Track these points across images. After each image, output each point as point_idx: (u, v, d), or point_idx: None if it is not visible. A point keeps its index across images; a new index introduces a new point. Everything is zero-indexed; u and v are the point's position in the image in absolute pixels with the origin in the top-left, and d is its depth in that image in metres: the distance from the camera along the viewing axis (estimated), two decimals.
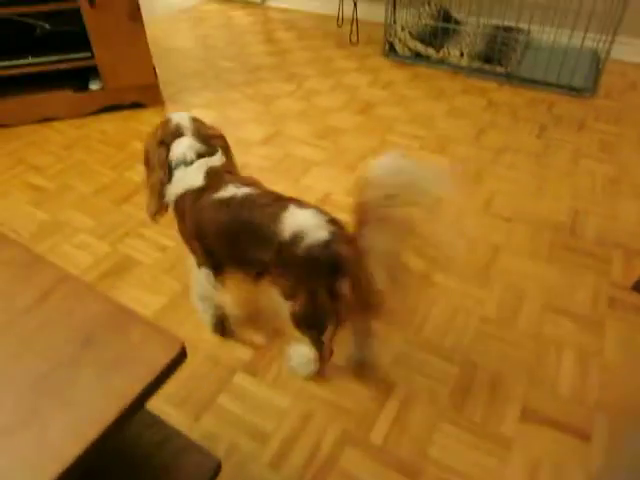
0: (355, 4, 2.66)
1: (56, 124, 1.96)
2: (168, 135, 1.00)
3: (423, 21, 2.54)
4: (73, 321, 0.49)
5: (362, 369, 1.08)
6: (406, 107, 2.08)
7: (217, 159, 1.00)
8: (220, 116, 2.02)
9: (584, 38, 2.16)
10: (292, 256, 0.85)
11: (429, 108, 2.07)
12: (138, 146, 1.83)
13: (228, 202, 0.92)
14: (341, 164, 1.73)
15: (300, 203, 0.90)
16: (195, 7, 3.35)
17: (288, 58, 2.56)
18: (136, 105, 2.07)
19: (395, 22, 2.57)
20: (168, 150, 0.99)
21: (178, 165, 0.98)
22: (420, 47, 2.43)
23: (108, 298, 0.52)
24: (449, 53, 2.37)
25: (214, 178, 0.96)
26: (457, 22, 2.59)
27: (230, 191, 0.93)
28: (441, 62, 2.41)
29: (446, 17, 2.55)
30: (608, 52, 2.06)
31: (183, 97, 2.16)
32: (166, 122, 1.02)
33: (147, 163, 1.03)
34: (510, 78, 2.26)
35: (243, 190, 0.93)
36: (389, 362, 1.09)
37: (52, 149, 1.81)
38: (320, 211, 0.89)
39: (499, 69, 2.27)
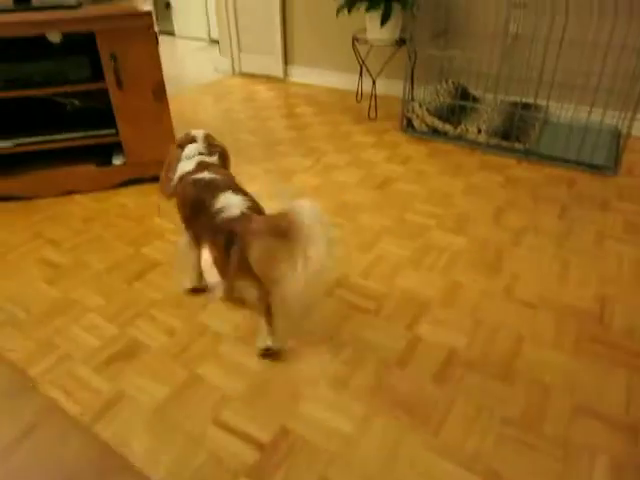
0: (374, 82, 2.74)
1: (77, 197, 2.00)
2: (184, 141, 1.42)
3: (441, 98, 2.59)
4: (54, 465, 0.44)
5: (270, 355, 1.26)
6: (423, 183, 2.08)
7: (212, 159, 1.38)
8: None
9: (604, 115, 2.17)
10: (213, 222, 1.17)
11: (446, 185, 2.07)
12: (156, 221, 1.84)
13: (198, 181, 1.27)
14: (356, 243, 1.70)
15: (241, 191, 1.25)
16: (220, 81, 3.51)
17: (308, 132, 2.61)
18: (157, 179, 2.10)
19: (413, 99, 2.63)
20: (182, 150, 1.39)
21: (184, 159, 1.37)
22: (438, 123, 2.46)
23: (95, 438, 0.47)
24: (467, 129, 2.39)
25: (200, 167, 1.32)
26: (475, 99, 2.63)
27: (203, 175, 1.28)
28: (459, 138, 2.43)
29: (463, 94, 2.59)
30: (629, 129, 2.05)
31: None
32: (186, 134, 1.44)
33: (167, 161, 1.40)
34: (529, 155, 2.25)
35: (212, 176, 1.28)
36: (405, 466, 1.01)
37: (71, 223, 1.83)
38: (249, 199, 1.22)
39: (517, 146, 2.27)
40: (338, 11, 2.53)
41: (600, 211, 1.86)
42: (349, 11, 2.53)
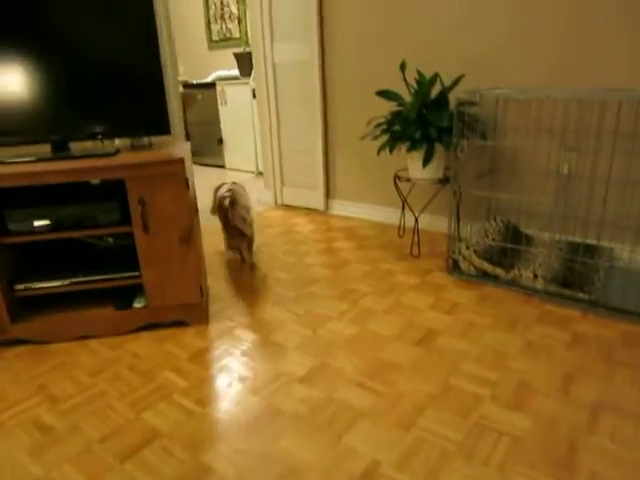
0: (417, 219, 2.61)
1: (91, 342, 1.86)
2: (219, 187, 2.59)
3: (489, 237, 2.41)
4: None
5: (251, 267, 2.52)
6: (473, 339, 1.81)
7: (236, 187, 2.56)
8: (263, 340, 1.85)
9: None
10: (219, 204, 2.45)
11: (501, 341, 1.79)
12: (168, 376, 1.65)
13: (219, 190, 2.57)
14: (393, 418, 1.42)
15: (231, 184, 2.55)
16: (261, 213, 3.51)
17: (346, 271, 2.46)
18: (177, 323, 1.96)
19: (459, 238, 2.46)
20: (218, 189, 2.59)
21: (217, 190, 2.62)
22: (487, 266, 2.25)
23: None
24: (521, 274, 2.15)
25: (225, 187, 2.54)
26: (528, 239, 2.43)
27: (223, 187, 2.53)
28: (512, 283, 2.19)
29: (515, 233, 2.40)
30: None
31: (229, 315, 2.04)
32: (220, 184, 2.60)
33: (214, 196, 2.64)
34: (595, 306, 1.97)
35: (228, 187, 2.50)
36: None
37: (78, 375, 1.67)
38: (233, 186, 2.51)
39: (581, 295, 2.00)
40: (379, 151, 2.50)
41: None
42: (391, 151, 2.49)
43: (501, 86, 2.53)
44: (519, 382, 1.56)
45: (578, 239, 2.38)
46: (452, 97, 2.45)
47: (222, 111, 5.23)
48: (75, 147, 1.96)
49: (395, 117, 2.47)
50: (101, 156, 1.75)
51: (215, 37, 5.98)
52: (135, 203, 1.72)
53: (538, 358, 1.69)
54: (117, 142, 2.11)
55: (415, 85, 2.61)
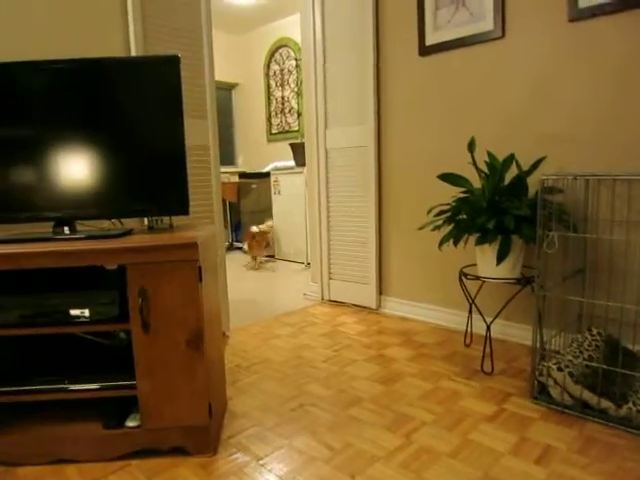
0: (488, 327, 2.12)
1: (68, 469, 1.46)
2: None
3: (585, 354, 1.87)
4: None
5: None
6: None
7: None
8: None
9: None
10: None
11: None
12: None
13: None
14: None
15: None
16: (305, 309, 3.12)
17: (398, 388, 1.96)
18: (177, 451, 1.53)
19: (544, 356, 1.93)
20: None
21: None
22: (588, 395, 1.69)
23: None
24: (638, 410, 1.58)
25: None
26: (634, 358, 1.87)
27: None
28: (627, 420, 1.61)
29: (617, 351, 1.85)
30: None
31: (244, 443, 1.59)
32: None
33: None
34: None
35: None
36: None
37: None
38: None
39: None
40: (442, 243, 2.10)
41: None
42: (455, 244, 2.08)
43: (591, 167, 2.11)
44: None
45: None
46: (530, 182, 2.05)
47: (275, 200, 5.09)
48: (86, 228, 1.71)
49: (462, 204, 2.09)
50: (103, 237, 1.46)
51: (274, 130, 6.05)
52: (135, 295, 1.39)
53: None
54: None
55: (485, 168, 2.25)
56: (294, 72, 5.70)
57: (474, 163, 2.07)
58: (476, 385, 1.98)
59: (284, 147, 5.78)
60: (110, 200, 1.56)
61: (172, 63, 1.51)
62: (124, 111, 1.54)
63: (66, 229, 1.59)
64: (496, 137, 2.41)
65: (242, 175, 5.71)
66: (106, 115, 1.53)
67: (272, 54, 5.94)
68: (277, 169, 5.10)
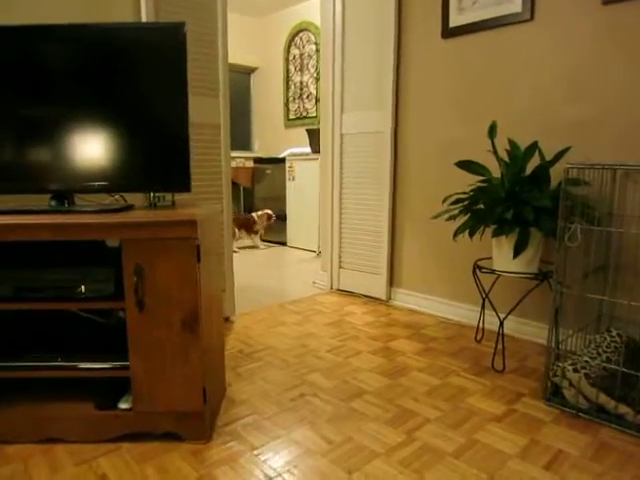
0: (501, 322, 2.02)
1: (58, 449, 1.42)
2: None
3: (603, 356, 1.77)
4: None
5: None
6: None
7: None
8: None
9: None
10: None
11: None
12: None
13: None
14: None
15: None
16: (313, 297, 3.05)
17: (403, 382, 1.89)
18: (169, 435, 1.48)
19: (560, 356, 1.83)
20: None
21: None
22: (604, 399, 1.60)
23: None
24: None
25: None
26: None
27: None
28: None
29: (637, 353, 1.75)
30: None
31: (240, 431, 1.53)
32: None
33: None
34: None
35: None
36: None
37: None
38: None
39: None
40: (456, 233, 2.01)
41: None
42: (471, 235, 1.99)
43: (619, 158, 1.99)
44: None
45: None
46: (553, 175, 1.94)
47: (289, 187, 5.02)
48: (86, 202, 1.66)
49: (479, 193, 1.99)
50: (101, 212, 1.40)
51: (292, 116, 5.96)
52: (130, 272, 1.33)
53: None
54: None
55: (505, 157, 2.15)
56: (314, 57, 5.59)
57: (494, 150, 1.96)
58: (486, 383, 1.90)
59: (301, 133, 5.68)
60: (109, 174, 1.50)
61: (177, 31, 1.44)
62: (125, 80, 1.47)
63: (65, 203, 1.53)
64: (518, 125, 2.29)
65: (257, 160, 5.64)
66: (106, 84, 1.47)
67: (292, 38, 5.83)
68: (293, 155, 5.02)
